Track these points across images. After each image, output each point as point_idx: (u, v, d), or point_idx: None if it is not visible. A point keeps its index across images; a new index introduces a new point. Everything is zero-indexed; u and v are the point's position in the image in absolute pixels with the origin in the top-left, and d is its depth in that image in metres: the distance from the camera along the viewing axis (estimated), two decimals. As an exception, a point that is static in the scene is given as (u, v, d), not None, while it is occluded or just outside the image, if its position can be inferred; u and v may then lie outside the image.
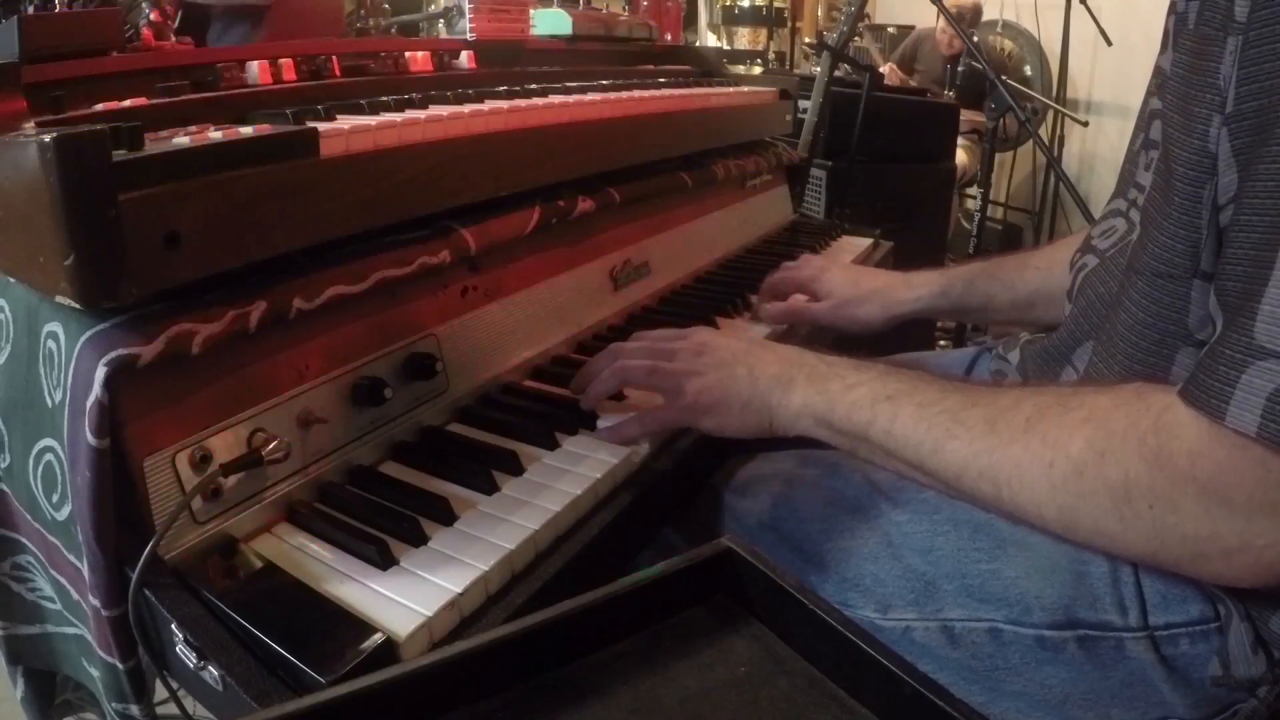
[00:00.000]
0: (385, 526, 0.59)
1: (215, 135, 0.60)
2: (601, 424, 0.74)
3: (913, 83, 3.87)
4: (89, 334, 0.55)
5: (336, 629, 0.50)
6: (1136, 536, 0.53)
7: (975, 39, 2.97)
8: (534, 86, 0.98)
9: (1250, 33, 0.50)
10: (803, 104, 2.05)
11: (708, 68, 1.57)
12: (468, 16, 1.08)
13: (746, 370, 0.71)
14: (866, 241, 1.45)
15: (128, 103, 0.69)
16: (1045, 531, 0.59)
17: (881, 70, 3.16)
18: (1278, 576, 0.50)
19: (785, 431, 0.70)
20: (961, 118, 2.80)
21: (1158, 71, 0.67)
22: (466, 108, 0.81)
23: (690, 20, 4.47)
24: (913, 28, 4.20)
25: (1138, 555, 0.55)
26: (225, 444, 0.59)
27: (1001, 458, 0.58)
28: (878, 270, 1.09)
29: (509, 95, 0.91)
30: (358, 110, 0.75)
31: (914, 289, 1.02)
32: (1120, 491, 0.53)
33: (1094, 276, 0.74)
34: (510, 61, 1.15)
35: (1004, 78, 2.27)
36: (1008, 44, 4.06)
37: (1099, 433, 0.54)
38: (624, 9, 2.16)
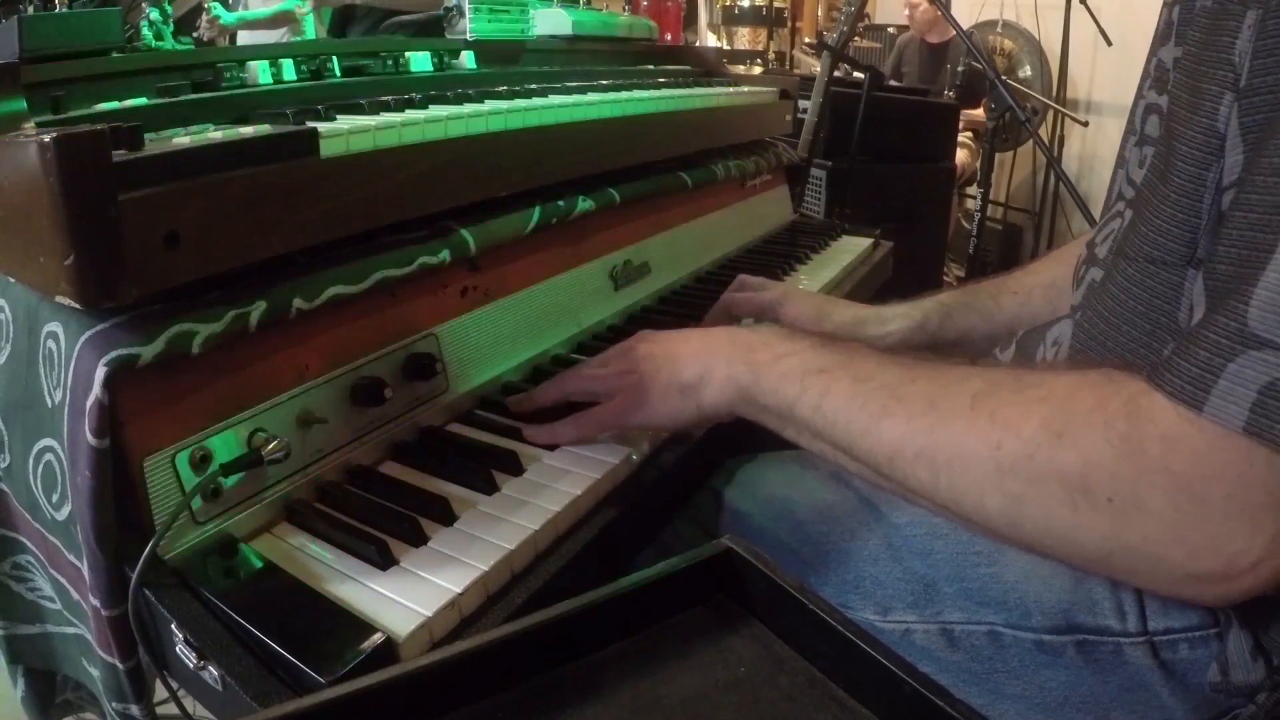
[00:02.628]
0: (385, 526, 0.59)
1: (215, 135, 0.60)
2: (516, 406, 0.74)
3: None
4: (89, 334, 0.55)
5: (336, 629, 0.50)
6: (1090, 533, 0.47)
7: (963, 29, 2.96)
8: (534, 86, 0.98)
9: (1273, 3, 0.47)
10: (803, 104, 2.05)
11: (708, 68, 1.57)
12: (468, 16, 1.08)
13: (669, 355, 0.69)
14: (866, 241, 1.45)
15: (128, 103, 0.69)
16: (985, 528, 0.53)
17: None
18: (1243, 591, 0.45)
19: (712, 411, 0.66)
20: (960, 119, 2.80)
21: (1158, 66, 0.63)
22: (466, 108, 0.81)
23: (690, 20, 4.47)
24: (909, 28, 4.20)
25: (1088, 556, 0.49)
26: (225, 444, 0.59)
27: (942, 437, 0.52)
28: (844, 302, 0.99)
29: (509, 95, 0.91)
30: (358, 110, 0.75)
31: (886, 324, 0.94)
32: (1077, 479, 0.47)
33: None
34: (510, 61, 1.15)
35: (1003, 78, 2.27)
36: (1008, 44, 4.07)
37: (1058, 413, 0.48)
38: (624, 9, 2.16)
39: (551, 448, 0.72)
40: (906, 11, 3.90)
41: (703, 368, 0.66)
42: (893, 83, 3.94)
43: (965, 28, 2.56)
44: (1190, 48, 0.55)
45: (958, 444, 0.51)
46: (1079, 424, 0.47)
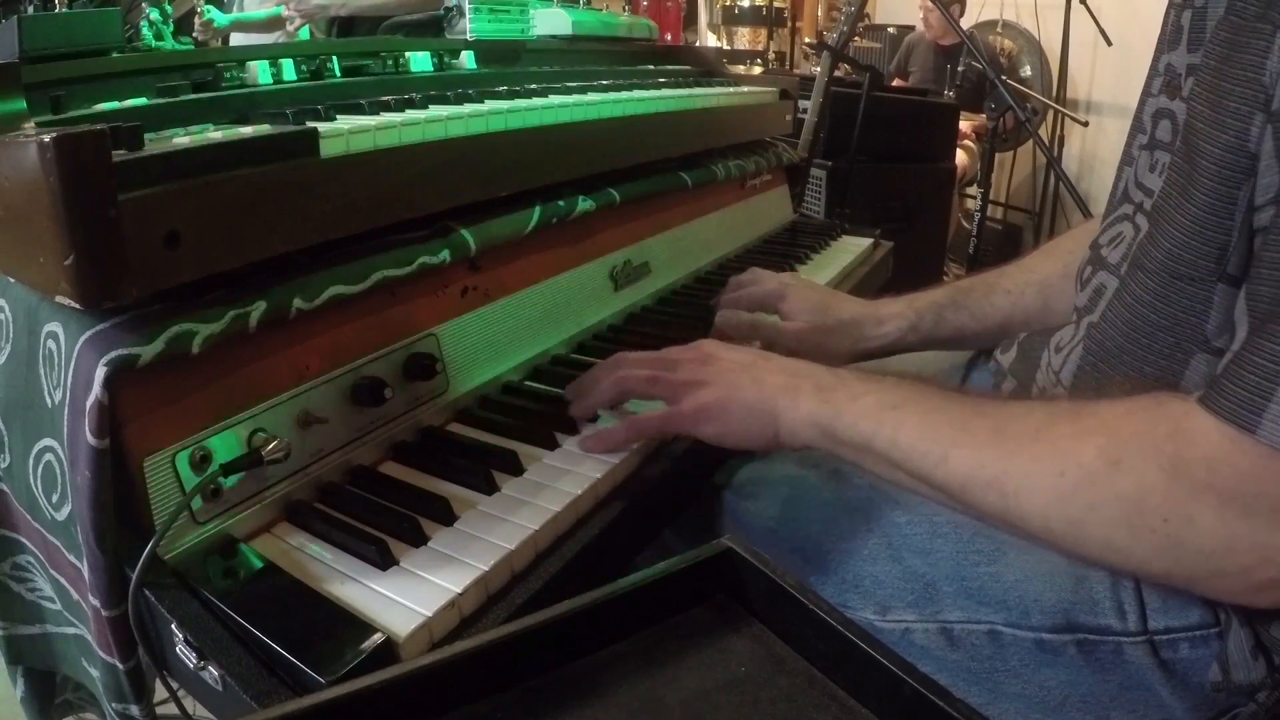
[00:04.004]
0: (385, 526, 0.59)
1: (215, 135, 0.60)
2: (586, 432, 0.73)
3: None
4: (89, 334, 0.55)
5: (336, 629, 0.50)
6: (1149, 552, 0.51)
7: (967, 31, 2.98)
8: (534, 86, 0.98)
9: None
10: (803, 104, 2.05)
11: (708, 68, 1.57)
12: (468, 16, 1.08)
13: (752, 379, 0.70)
14: (866, 241, 1.45)
15: (128, 103, 0.69)
16: (1052, 546, 0.57)
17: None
18: None
19: (789, 441, 0.68)
20: (961, 121, 2.80)
21: (1168, 70, 0.63)
22: (466, 108, 0.81)
23: (690, 20, 4.47)
24: (912, 28, 4.21)
25: (1150, 572, 0.53)
26: (225, 444, 0.59)
27: (1009, 467, 0.56)
28: (845, 297, 1.00)
29: (509, 95, 0.91)
30: (358, 110, 0.75)
31: (882, 324, 0.95)
32: (1133, 503, 0.50)
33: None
34: (510, 61, 1.15)
35: (1004, 78, 2.27)
36: (1008, 44, 4.07)
37: (1112, 441, 0.52)
38: (624, 9, 2.16)
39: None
40: (921, 15, 3.89)
41: (790, 400, 0.68)
42: (899, 82, 3.95)
43: (965, 28, 2.56)
44: (1210, 60, 0.56)
45: (1024, 473, 0.55)
46: (1131, 451, 0.51)
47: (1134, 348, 0.61)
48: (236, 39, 2.34)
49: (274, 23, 2.30)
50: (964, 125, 3.25)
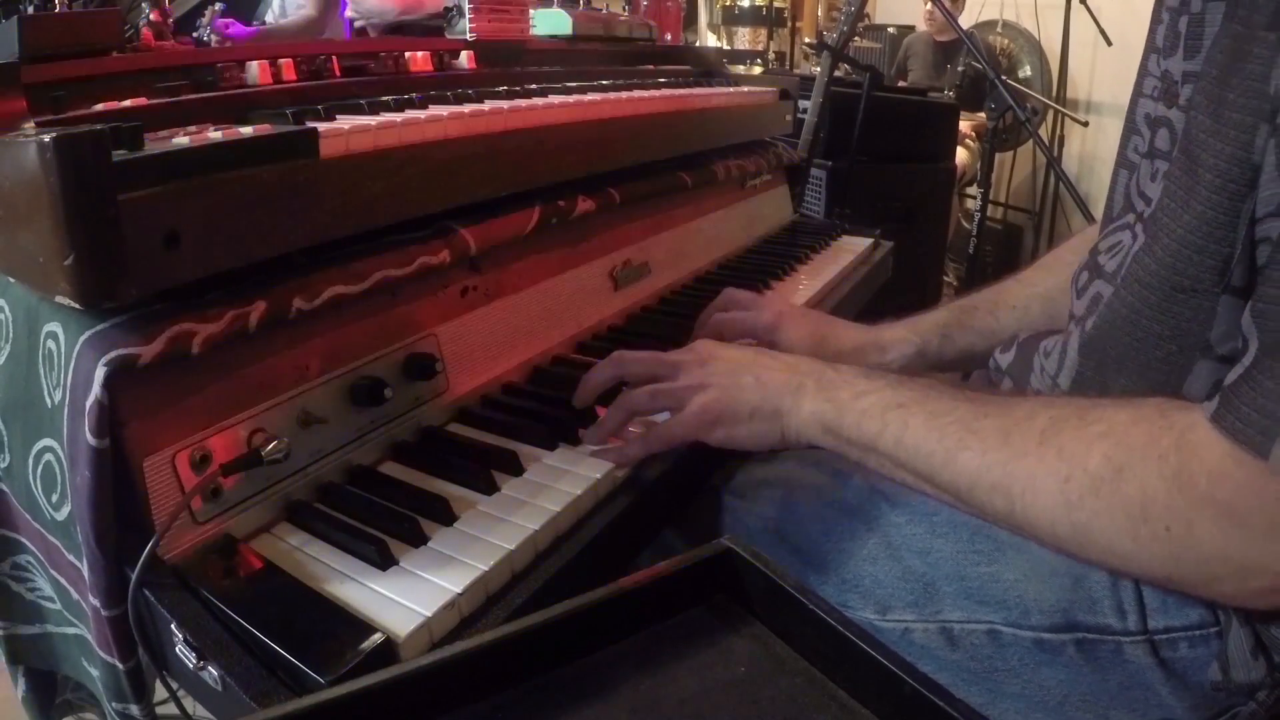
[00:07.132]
0: (385, 526, 0.59)
1: (215, 135, 0.60)
2: (590, 440, 0.72)
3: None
4: (89, 334, 0.55)
5: (336, 629, 0.50)
6: (1151, 558, 0.52)
7: (967, 30, 2.99)
8: (534, 86, 0.98)
9: None
10: (803, 104, 2.05)
11: (708, 68, 1.57)
12: (468, 16, 1.08)
13: (753, 378, 0.70)
14: (866, 241, 1.45)
15: (128, 103, 0.69)
16: (1057, 549, 0.58)
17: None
18: None
19: (795, 439, 0.68)
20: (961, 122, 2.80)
21: (1165, 77, 0.62)
22: (466, 108, 0.81)
23: (690, 20, 4.47)
24: (912, 28, 4.21)
25: (1151, 577, 0.54)
26: (225, 444, 0.59)
27: (1015, 470, 0.56)
28: (843, 324, 0.97)
29: (509, 95, 0.91)
30: (358, 110, 0.75)
31: (885, 352, 0.93)
32: (1136, 510, 0.51)
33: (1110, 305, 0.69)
34: (510, 61, 1.15)
35: (1003, 77, 2.27)
36: (1008, 44, 4.07)
37: (1117, 448, 0.52)
38: (624, 9, 2.16)
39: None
40: (928, 6, 3.89)
41: (792, 398, 0.68)
42: (901, 83, 3.95)
43: (965, 28, 2.55)
44: (1211, 70, 0.55)
45: (1030, 477, 0.56)
46: (1136, 459, 0.51)
47: (1136, 355, 0.61)
48: None
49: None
50: (963, 125, 3.25)
